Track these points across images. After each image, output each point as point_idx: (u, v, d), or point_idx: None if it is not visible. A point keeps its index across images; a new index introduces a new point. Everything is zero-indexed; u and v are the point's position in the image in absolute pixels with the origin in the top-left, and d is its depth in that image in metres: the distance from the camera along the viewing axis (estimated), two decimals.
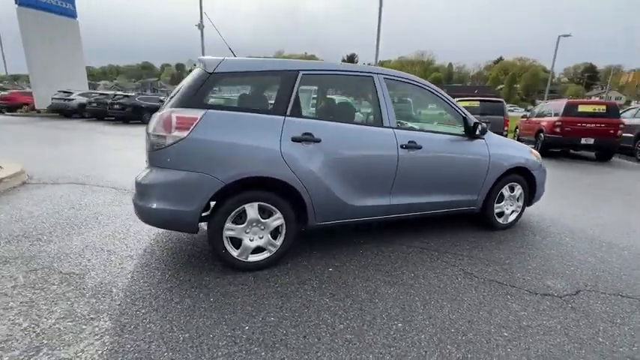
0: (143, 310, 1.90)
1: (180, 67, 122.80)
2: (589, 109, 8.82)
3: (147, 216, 2.18)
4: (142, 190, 2.16)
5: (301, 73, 2.39)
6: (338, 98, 3.01)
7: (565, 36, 26.20)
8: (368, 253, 2.77)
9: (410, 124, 3.01)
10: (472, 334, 1.83)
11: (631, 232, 3.58)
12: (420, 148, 2.72)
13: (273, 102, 2.36)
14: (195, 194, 2.10)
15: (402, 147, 2.65)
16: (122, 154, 6.95)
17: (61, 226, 3.01)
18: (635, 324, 1.99)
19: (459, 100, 9.97)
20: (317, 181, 2.35)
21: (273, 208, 2.31)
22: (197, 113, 2.10)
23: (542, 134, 9.39)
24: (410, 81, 2.88)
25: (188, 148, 2.07)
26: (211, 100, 2.24)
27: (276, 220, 2.35)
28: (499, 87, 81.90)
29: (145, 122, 16.09)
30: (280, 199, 2.32)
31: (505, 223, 3.42)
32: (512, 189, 3.38)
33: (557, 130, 8.78)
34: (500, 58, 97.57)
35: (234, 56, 2.50)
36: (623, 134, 8.87)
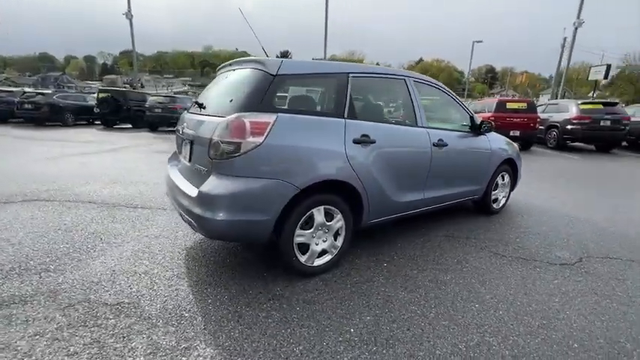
0: (236, 331, 1.77)
1: (90, 59, 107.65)
2: (515, 105, 10.41)
3: (218, 229, 1.99)
4: (211, 202, 1.96)
5: (350, 75, 2.43)
6: (377, 99, 3.10)
7: (478, 42, 30.04)
8: (406, 245, 2.95)
9: (433, 124, 3.26)
10: (535, 305, 2.14)
11: (582, 206, 4.42)
12: (446, 145, 2.98)
13: (332, 105, 2.36)
14: (272, 202, 2.01)
15: (433, 145, 2.88)
16: (68, 163, 5.96)
17: (64, 252, 2.54)
18: (631, 278, 2.54)
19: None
20: (373, 180, 2.44)
21: (336, 210, 2.33)
22: (269, 117, 2.00)
23: None
24: (432, 84, 3.12)
25: (264, 155, 1.97)
26: (278, 104, 2.15)
27: (339, 221, 2.37)
28: None
29: (67, 125, 13.83)
30: (342, 201, 2.34)
31: (498, 207, 3.94)
32: (503, 177, 3.89)
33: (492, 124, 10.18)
34: (421, 59, 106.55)
35: (267, 55, 2.46)
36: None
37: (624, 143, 11.52)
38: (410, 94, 2.83)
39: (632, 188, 5.88)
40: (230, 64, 2.58)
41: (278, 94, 2.14)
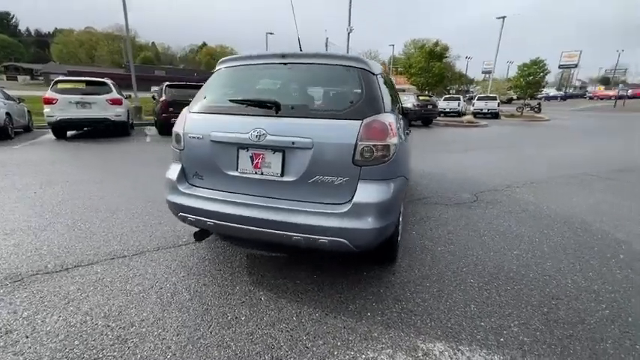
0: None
1: None
2: None
3: (370, 239, 1.87)
4: (369, 211, 1.80)
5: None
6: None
7: (270, 33, 32.10)
8: None
9: None
10: (455, 235, 2.99)
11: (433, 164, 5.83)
12: None
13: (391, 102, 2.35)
14: (401, 200, 2.13)
15: None
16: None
17: None
18: (517, 205, 3.65)
19: None
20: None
21: None
22: (392, 117, 2.00)
23: None
24: None
25: (400, 154, 2.00)
26: None
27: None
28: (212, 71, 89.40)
29: None
30: None
31: None
32: None
33: None
34: (204, 44, 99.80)
35: (301, 50, 2.34)
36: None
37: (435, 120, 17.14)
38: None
39: (453, 149, 7.80)
40: (282, 57, 2.13)
41: None
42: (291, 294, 2.08)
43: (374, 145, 1.81)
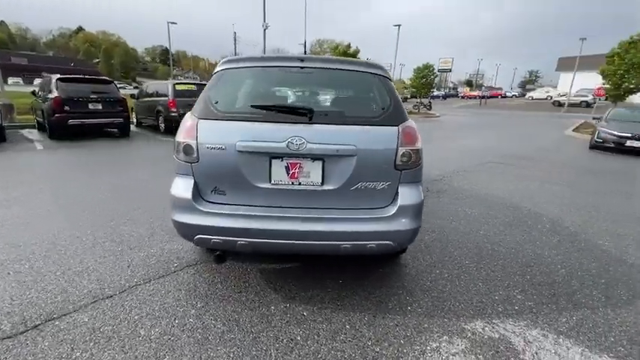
0: None
1: None
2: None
3: (410, 238, 2.03)
4: (411, 213, 1.95)
5: None
6: None
7: (172, 23, 29.57)
8: None
9: None
10: (431, 225, 3.38)
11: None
12: None
13: None
14: None
15: None
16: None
17: None
18: (461, 192, 4.29)
19: (178, 84, 9.85)
20: None
21: None
22: (414, 123, 2.13)
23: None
24: None
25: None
26: None
27: None
28: (95, 61, 74.34)
29: None
30: None
31: None
32: None
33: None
34: (81, 28, 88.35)
35: (305, 51, 2.43)
36: None
37: None
38: None
39: None
40: (300, 60, 2.02)
41: None
42: (329, 303, 2.05)
43: (411, 150, 1.91)
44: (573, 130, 13.23)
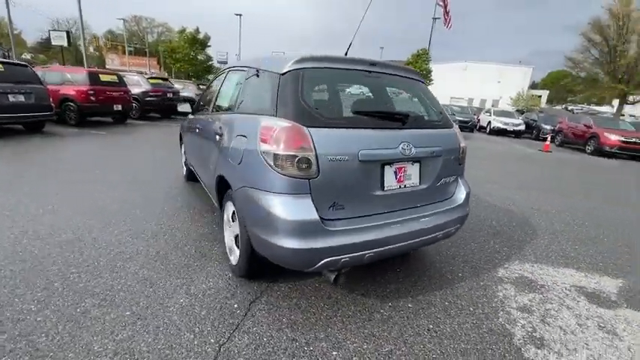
0: None
1: None
2: (108, 78, 9.31)
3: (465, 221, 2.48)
4: (468, 199, 2.39)
5: None
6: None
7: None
8: None
9: None
10: None
11: None
12: None
13: None
14: None
15: None
16: None
17: None
18: None
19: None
20: None
21: None
22: None
23: (73, 103, 8.60)
24: None
25: None
26: None
27: None
28: None
29: None
30: None
31: None
32: None
33: (93, 98, 8.64)
34: None
35: (347, 54, 2.22)
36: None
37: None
38: None
39: None
40: (372, 65, 2.06)
41: None
42: (408, 292, 2.23)
43: (464, 147, 2.30)
44: None
